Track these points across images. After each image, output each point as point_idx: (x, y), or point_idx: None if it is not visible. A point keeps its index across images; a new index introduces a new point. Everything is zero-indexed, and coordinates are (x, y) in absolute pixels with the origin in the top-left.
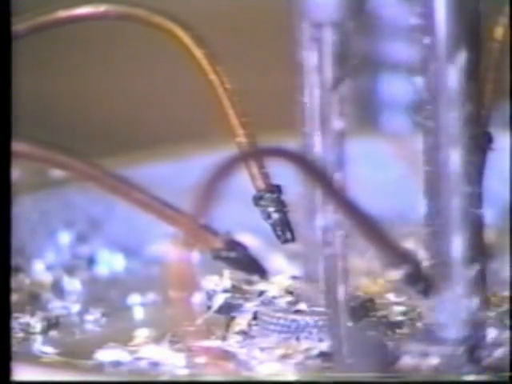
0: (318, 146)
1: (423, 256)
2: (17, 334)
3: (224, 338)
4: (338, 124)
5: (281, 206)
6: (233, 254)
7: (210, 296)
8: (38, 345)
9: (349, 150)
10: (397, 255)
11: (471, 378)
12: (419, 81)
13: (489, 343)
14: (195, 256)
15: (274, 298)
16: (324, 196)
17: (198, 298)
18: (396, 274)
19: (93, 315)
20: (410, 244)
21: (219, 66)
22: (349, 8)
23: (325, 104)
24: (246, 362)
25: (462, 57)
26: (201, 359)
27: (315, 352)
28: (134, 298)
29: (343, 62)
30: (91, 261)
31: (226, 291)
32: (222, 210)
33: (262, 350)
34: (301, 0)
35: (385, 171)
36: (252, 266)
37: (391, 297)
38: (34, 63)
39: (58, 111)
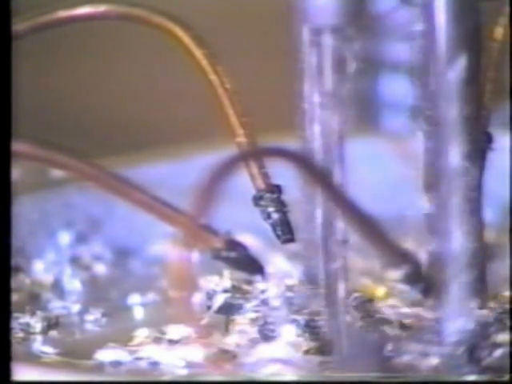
0: (317, 146)
1: (423, 256)
2: (17, 334)
3: (224, 338)
4: (337, 124)
5: (281, 206)
6: (233, 254)
7: (210, 296)
8: (38, 345)
9: (349, 150)
10: (397, 255)
11: (471, 378)
12: (419, 81)
13: (489, 343)
14: (195, 256)
15: (274, 298)
16: (324, 196)
17: (198, 298)
18: (396, 273)
19: (93, 315)
20: (409, 244)
21: (219, 65)
22: (348, 13)
23: (325, 105)
24: (246, 362)
25: (462, 58)
26: (201, 359)
27: (315, 352)
28: (134, 298)
29: (343, 65)
30: (91, 261)
31: (226, 291)
32: (222, 210)
33: (261, 350)
34: (301, 4)
35: (385, 171)
36: (252, 265)
37: (393, 299)
38: (34, 63)
39: (58, 111)
